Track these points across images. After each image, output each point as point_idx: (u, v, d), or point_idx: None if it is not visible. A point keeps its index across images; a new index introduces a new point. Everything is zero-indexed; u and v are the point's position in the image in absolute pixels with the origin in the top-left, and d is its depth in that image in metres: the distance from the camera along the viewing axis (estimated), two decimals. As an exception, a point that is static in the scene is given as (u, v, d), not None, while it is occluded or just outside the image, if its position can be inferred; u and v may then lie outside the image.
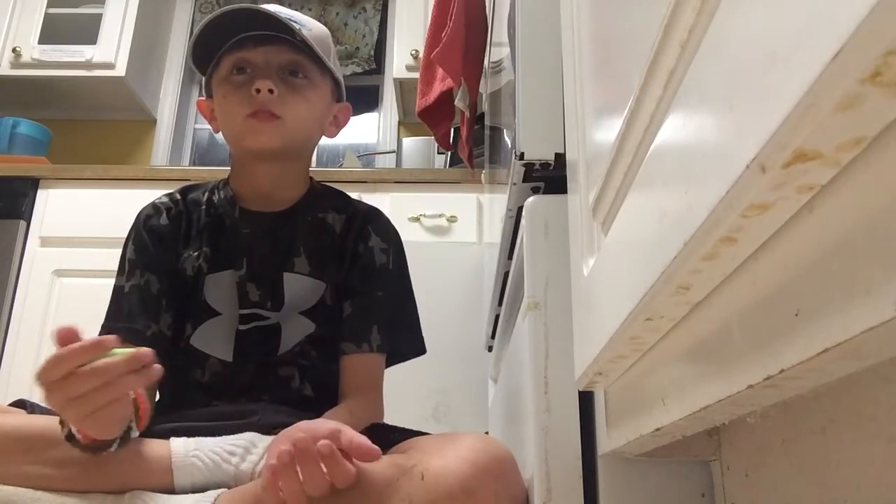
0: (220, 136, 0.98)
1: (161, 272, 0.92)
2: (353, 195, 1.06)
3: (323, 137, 1.02)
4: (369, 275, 0.95)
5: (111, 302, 0.91)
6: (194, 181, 1.04)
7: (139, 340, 0.85)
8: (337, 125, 1.01)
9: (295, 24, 0.90)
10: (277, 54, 0.91)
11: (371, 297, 0.94)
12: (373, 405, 0.88)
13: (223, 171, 1.00)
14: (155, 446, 0.72)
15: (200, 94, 1.05)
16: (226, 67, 0.92)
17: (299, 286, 0.93)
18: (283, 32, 0.90)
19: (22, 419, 0.74)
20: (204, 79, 0.97)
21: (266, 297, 0.92)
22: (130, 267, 0.92)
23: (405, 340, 0.97)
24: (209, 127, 1.05)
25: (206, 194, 0.98)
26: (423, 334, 1.00)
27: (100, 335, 0.87)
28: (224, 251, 0.94)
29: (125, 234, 0.97)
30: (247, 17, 0.90)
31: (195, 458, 0.70)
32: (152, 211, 0.96)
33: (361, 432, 0.81)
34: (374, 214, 1.01)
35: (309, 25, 0.93)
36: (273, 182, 0.95)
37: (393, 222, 1.04)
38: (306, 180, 1.00)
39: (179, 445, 0.72)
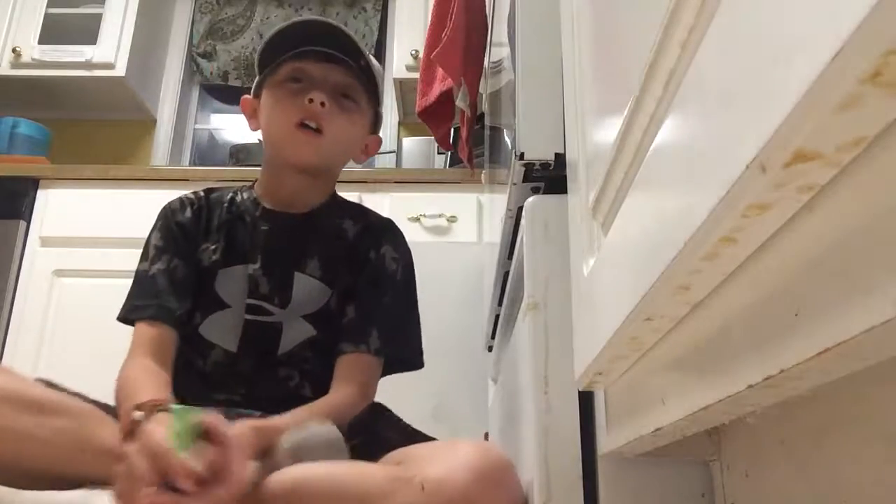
0: (222, 135, 0.99)
1: (187, 260, 0.95)
2: (353, 195, 1.07)
3: None
4: (377, 280, 0.97)
5: (134, 285, 0.94)
6: (194, 180, 1.06)
7: (169, 318, 0.89)
8: (366, 153, 1.05)
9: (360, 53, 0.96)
10: (336, 74, 0.96)
11: (375, 301, 0.95)
12: (352, 398, 0.87)
13: (222, 170, 1.01)
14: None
15: (207, 93, 1.08)
16: (284, 73, 0.96)
17: (308, 288, 0.95)
18: (348, 55, 0.96)
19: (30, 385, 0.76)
20: (257, 78, 1.01)
21: (275, 292, 0.94)
22: (157, 252, 0.96)
23: (404, 350, 0.97)
24: (209, 127, 1.07)
25: (230, 195, 1.03)
26: (424, 336, 1.00)
27: (125, 313, 0.91)
28: (240, 246, 0.97)
29: (125, 234, 0.99)
30: (320, 30, 0.95)
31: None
32: (178, 205, 1.01)
33: (364, 419, 0.81)
34: (389, 226, 1.04)
35: (369, 58, 0.99)
36: (297, 192, 0.99)
37: (397, 227, 1.06)
38: (329, 193, 1.04)
39: None
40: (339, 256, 0.98)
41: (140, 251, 0.98)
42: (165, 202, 1.03)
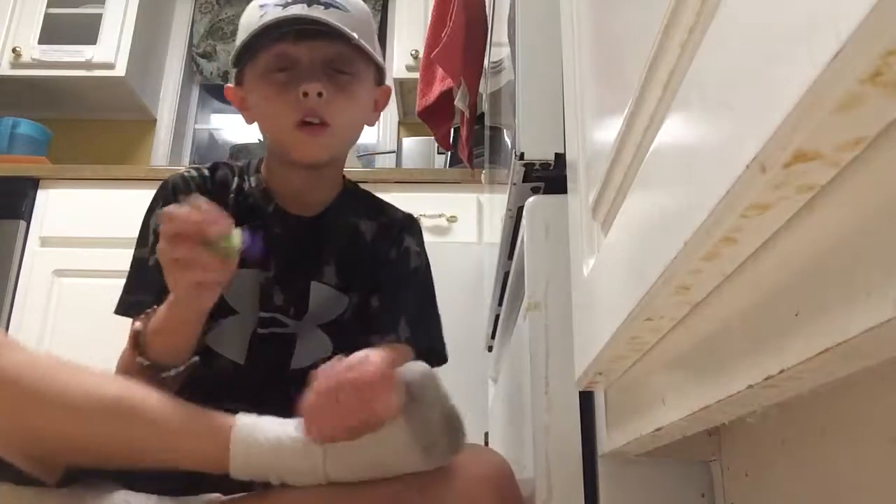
0: (222, 135, 0.94)
1: None
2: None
3: None
4: (401, 273, 0.92)
5: (133, 274, 0.88)
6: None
7: None
8: (377, 109, 0.96)
9: (338, 10, 0.84)
10: (321, 48, 0.84)
11: (402, 292, 0.91)
12: None
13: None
14: (215, 414, 0.69)
15: (207, 93, 1.00)
16: (266, 60, 0.85)
17: (324, 296, 0.89)
18: (331, 29, 0.84)
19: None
20: (236, 70, 0.91)
21: (290, 303, 0.88)
22: (156, 237, 0.88)
23: (432, 339, 0.91)
24: (209, 127, 1.00)
25: (236, 179, 0.93)
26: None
27: (125, 308, 0.86)
28: (250, 247, 0.90)
29: (125, 234, 0.94)
30: (292, 18, 0.83)
31: (259, 434, 0.67)
32: (182, 184, 0.90)
33: None
34: (411, 223, 0.99)
35: (350, 7, 0.87)
36: (307, 185, 0.92)
37: (418, 223, 1.02)
38: (340, 181, 0.97)
39: (245, 418, 0.68)
40: (356, 261, 0.91)
41: None
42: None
